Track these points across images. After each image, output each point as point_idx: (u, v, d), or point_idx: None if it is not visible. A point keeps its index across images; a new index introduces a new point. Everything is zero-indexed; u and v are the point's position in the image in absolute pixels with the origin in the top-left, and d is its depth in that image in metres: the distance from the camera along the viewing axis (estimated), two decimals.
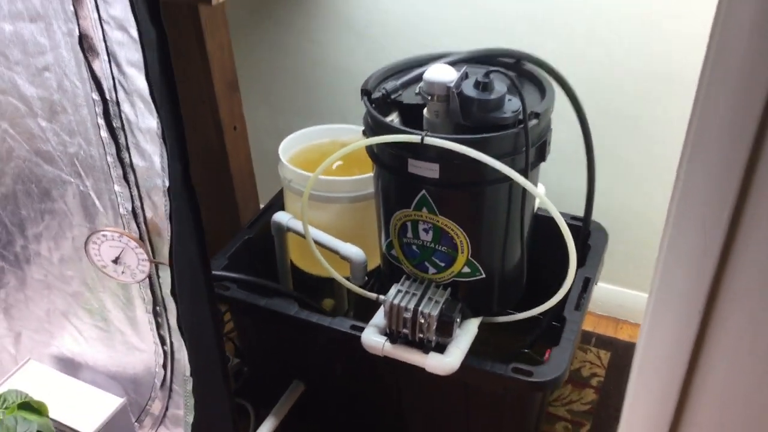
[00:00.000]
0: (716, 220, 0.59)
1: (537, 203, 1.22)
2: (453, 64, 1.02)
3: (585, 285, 1.21)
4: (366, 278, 1.20)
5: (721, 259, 0.60)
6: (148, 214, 0.80)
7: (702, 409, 0.68)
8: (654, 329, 0.69)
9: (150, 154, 0.75)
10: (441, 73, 0.95)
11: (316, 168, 1.04)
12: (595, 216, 1.33)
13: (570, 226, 1.34)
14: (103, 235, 0.80)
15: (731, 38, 0.49)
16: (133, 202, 0.80)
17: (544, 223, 1.02)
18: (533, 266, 1.18)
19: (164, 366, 0.94)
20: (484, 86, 0.93)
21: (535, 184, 1.07)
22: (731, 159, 0.54)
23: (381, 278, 1.24)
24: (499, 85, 0.95)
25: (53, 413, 0.94)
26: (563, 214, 1.34)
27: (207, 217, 1.66)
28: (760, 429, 0.64)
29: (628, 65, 1.31)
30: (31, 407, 0.91)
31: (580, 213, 1.27)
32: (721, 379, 0.65)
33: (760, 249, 0.56)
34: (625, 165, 1.43)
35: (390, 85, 1.03)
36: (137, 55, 0.70)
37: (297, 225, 1.22)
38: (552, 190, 1.41)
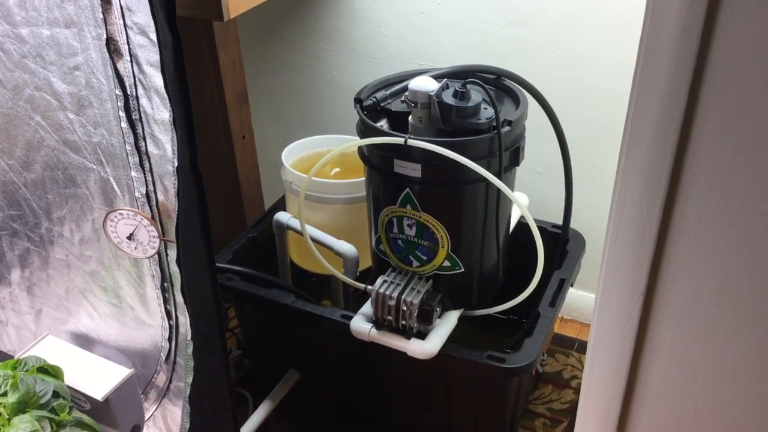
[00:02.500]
0: (652, 208, 0.69)
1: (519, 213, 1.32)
2: (438, 78, 1.14)
3: (560, 285, 1.31)
4: (358, 274, 1.31)
5: (658, 241, 0.70)
6: (160, 198, 0.92)
7: (650, 378, 0.77)
8: (603, 309, 0.78)
9: (163, 143, 0.87)
10: (424, 84, 1.06)
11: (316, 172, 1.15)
12: (586, 230, 1.41)
13: (551, 233, 1.44)
14: (120, 214, 0.92)
15: (656, 52, 0.59)
16: (147, 187, 0.91)
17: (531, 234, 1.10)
18: (521, 273, 1.27)
19: (169, 339, 1.05)
20: (461, 95, 1.04)
21: (511, 187, 1.17)
22: (660, 154, 0.64)
23: (371, 275, 1.34)
24: (476, 95, 1.06)
25: (67, 380, 1.04)
26: (547, 223, 1.45)
27: (215, 219, 1.76)
28: (703, 392, 0.73)
29: (608, 85, 1.42)
30: (48, 372, 1.01)
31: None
32: (667, 353, 0.74)
33: (691, 228, 0.65)
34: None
35: (380, 94, 1.15)
36: (155, 56, 0.82)
37: (296, 223, 1.33)
38: (541, 202, 1.51)
